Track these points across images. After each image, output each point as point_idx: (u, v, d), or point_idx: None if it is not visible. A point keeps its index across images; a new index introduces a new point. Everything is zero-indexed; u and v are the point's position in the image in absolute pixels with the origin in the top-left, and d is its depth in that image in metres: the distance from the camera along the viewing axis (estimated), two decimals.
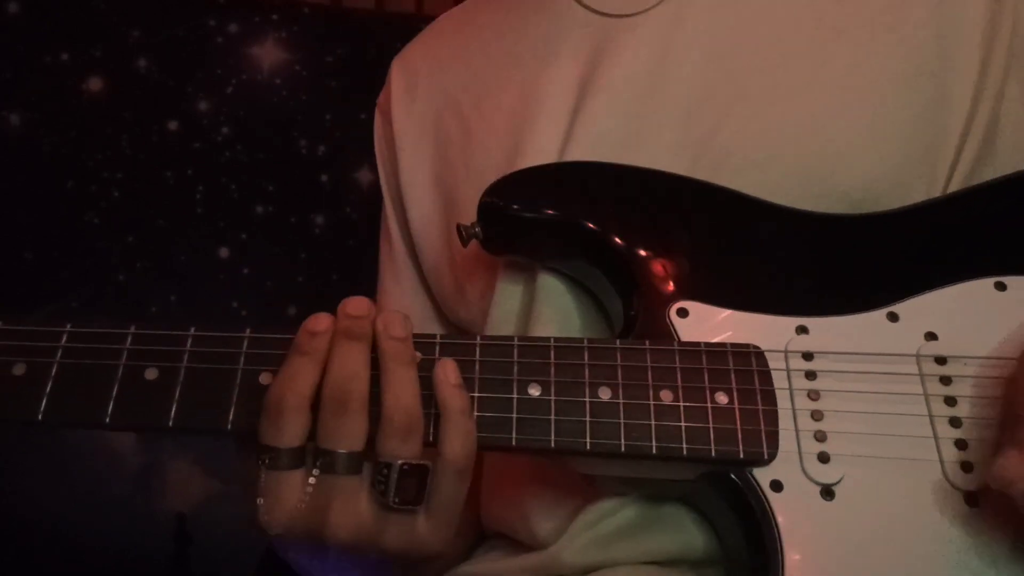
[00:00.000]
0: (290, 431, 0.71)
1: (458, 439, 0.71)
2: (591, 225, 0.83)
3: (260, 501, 0.72)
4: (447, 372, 0.72)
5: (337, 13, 3.37)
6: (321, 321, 0.72)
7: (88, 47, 3.17)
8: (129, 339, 0.75)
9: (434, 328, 1.06)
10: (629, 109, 0.89)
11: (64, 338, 0.76)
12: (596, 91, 0.90)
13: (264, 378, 0.74)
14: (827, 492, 0.72)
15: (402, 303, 1.06)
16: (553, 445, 0.72)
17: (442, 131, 1.01)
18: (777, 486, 0.72)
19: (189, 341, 0.75)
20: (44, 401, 0.73)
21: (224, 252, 3.22)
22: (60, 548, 2.87)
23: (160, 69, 3.23)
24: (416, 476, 0.71)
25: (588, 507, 0.84)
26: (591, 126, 0.90)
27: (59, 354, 0.75)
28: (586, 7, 0.96)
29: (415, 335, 0.74)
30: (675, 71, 0.90)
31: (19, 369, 0.74)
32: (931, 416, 0.74)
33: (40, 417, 0.73)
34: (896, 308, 0.78)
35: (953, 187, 0.87)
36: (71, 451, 2.94)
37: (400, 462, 0.70)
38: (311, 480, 0.71)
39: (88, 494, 2.97)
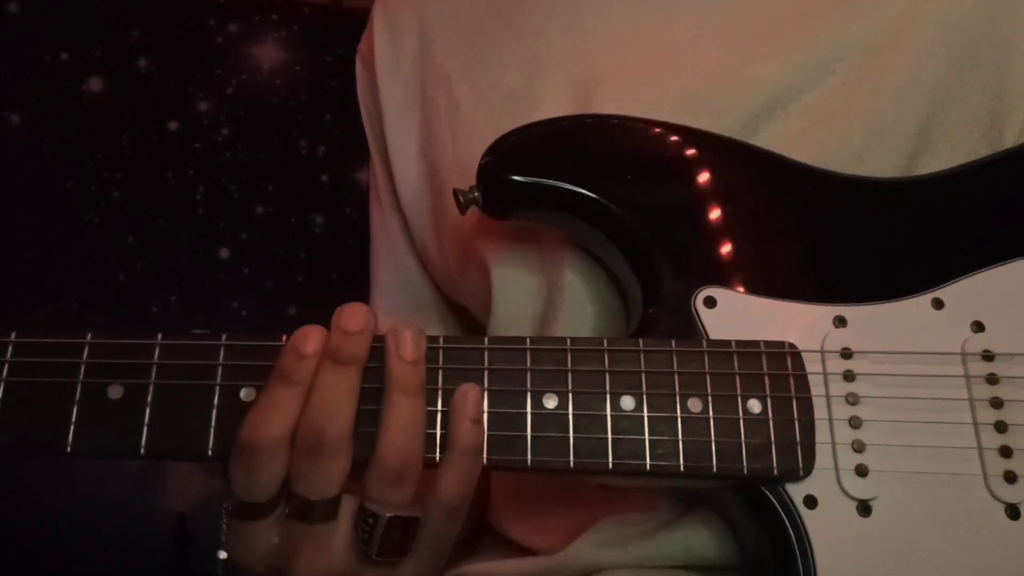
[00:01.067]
0: (263, 481, 0.63)
1: (459, 482, 0.65)
2: (605, 193, 0.76)
3: (222, 548, 0.65)
4: (468, 403, 0.65)
5: (337, 13, 3.36)
6: (311, 340, 0.64)
7: (88, 47, 3.16)
8: (86, 350, 0.67)
9: (430, 301, 1.00)
10: (637, 92, 0.83)
11: (10, 350, 0.66)
12: (602, 73, 0.85)
13: (246, 394, 0.66)
14: (864, 508, 0.68)
15: (395, 274, 1.02)
16: (572, 465, 0.66)
17: (428, 101, 0.95)
18: (812, 502, 0.67)
19: (156, 352, 0.67)
20: None
21: (224, 252, 3.21)
22: (60, 548, 2.86)
23: (160, 69, 3.21)
24: (404, 527, 0.64)
25: (601, 519, 0.82)
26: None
27: (5, 370, 0.66)
28: None
29: None
30: (685, 50, 0.85)
31: None
32: (975, 424, 0.69)
33: None
34: (941, 293, 0.73)
35: None
36: None
37: (388, 515, 0.64)
38: (281, 526, 0.65)
39: (88, 494, 2.96)
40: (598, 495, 0.81)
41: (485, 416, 0.67)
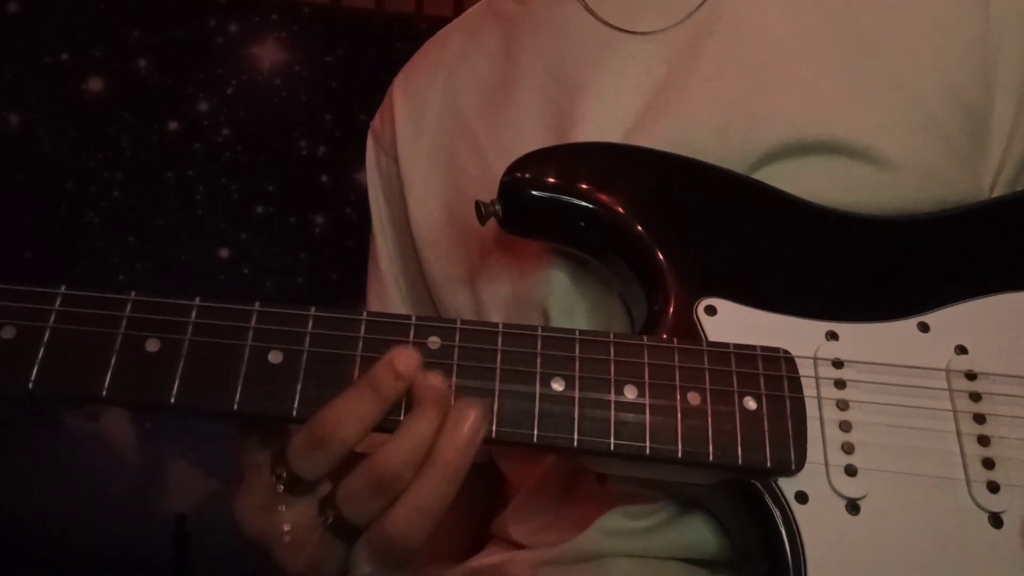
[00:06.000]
0: (315, 470, 0.67)
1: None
2: (619, 211, 0.79)
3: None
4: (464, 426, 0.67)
5: (337, 13, 3.37)
6: (408, 360, 0.67)
7: (88, 47, 3.17)
8: (129, 306, 0.70)
9: None
10: (663, 134, 0.86)
11: (58, 301, 0.70)
12: (624, 120, 0.88)
13: (274, 356, 0.69)
14: (852, 506, 0.70)
15: None
16: (576, 444, 0.69)
17: (456, 161, 0.98)
18: (802, 497, 0.69)
19: (194, 312, 0.70)
20: (35, 369, 0.67)
21: (224, 252, 3.23)
22: (60, 548, 2.87)
23: (160, 69, 3.23)
24: None
25: (608, 511, 0.83)
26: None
27: (52, 318, 0.69)
28: (608, 25, 0.93)
29: (435, 319, 0.72)
30: (705, 88, 0.87)
31: (8, 332, 0.68)
32: (959, 434, 0.72)
33: (31, 387, 0.67)
34: (927, 318, 0.77)
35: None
36: (71, 451, 2.94)
37: None
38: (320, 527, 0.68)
39: (88, 494, 2.97)
40: (601, 497, 0.82)
41: (497, 393, 0.69)
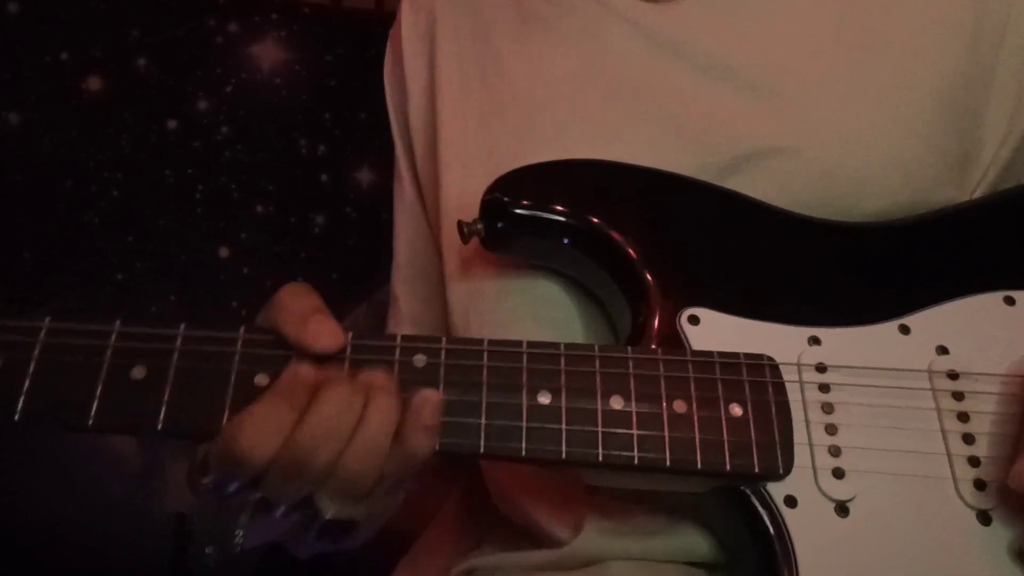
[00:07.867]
0: (238, 481, 0.67)
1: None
2: (601, 226, 0.80)
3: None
4: (425, 411, 0.67)
5: (337, 13, 3.37)
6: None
7: (88, 47, 3.17)
8: (114, 336, 0.71)
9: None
10: (649, 112, 0.87)
11: (43, 332, 0.70)
12: (602, 86, 0.89)
13: (260, 380, 0.69)
14: (841, 508, 0.71)
15: (412, 248, 1.05)
16: (564, 456, 0.70)
17: (471, 74, 0.98)
18: (791, 502, 0.70)
19: (179, 339, 0.71)
20: (21, 399, 0.68)
21: (224, 252, 3.22)
22: (60, 548, 2.87)
23: (160, 69, 3.22)
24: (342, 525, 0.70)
25: (602, 512, 0.83)
26: (602, 128, 0.88)
27: (38, 349, 0.70)
28: None
29: (420, 338, 0.72)
30: (704, 79, 0.87)
31: None
32: (944, 432, 0.73)
33: (17, 417, 0.68)
34: (907, 320, 0.78)
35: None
36: (71, 451, 2.94)
37: (328, 516, 0.69)
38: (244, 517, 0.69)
39: (88, 494, 2.97)
40: (598, 500, 0.82)
41: (484, 407, 0.70)
